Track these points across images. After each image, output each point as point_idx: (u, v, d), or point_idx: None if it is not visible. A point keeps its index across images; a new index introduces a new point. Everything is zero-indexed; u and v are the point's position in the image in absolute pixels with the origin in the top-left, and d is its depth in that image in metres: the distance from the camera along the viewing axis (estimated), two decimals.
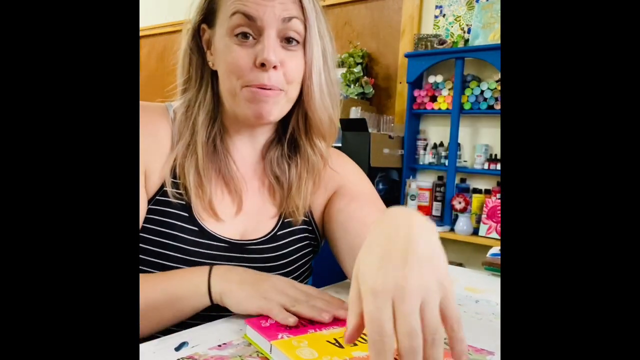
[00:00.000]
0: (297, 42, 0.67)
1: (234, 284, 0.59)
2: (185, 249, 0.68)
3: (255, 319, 0.54)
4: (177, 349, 0.49)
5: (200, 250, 0.69)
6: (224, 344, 0.51)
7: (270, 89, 0.66)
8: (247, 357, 0.48)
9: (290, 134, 0.76)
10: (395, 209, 0.47)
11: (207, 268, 0.62)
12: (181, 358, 0.47)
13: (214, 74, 0.72)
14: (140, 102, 0.70)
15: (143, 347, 0.49)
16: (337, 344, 0.50)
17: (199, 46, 0.73)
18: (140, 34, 3.81)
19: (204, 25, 0.72)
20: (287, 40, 0.66)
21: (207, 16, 0.71)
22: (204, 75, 0.73)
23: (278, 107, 0.68)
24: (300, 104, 0.72)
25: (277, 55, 0.65)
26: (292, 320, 0.53)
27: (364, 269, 0.41)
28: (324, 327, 0.54)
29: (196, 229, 0.69)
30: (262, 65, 0.64)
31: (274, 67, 0.65)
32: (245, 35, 0.65)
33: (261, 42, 0.65)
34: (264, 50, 0.64)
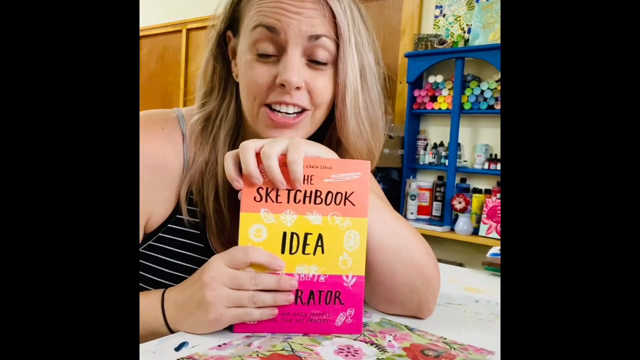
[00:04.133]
0: (326, 63, 0.60)
1: (178, 309, 0.55)
2: None
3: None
4: (177, 349, 0.49)
5: None
6: (224, 344, 0.51)
7: (292, 115, 0.60)
8: (247, 357, 0.48)
9: None
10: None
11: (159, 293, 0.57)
12: (181, 358, 0.47)
13: (238, 86, 0.65)
14: (141, 115, 0.64)
15: (143, 347, 0.49)
16: None
17: (224, 54, 0.66)
18: (140, 34, 3.81)
19: (229, 33, 0.66)
20: (315, 61, 0.59)
21: (232, 24, 0.65)
22: (227, 86, 0.66)
23: (302, 131, 0.61)
24: (332, 131, 0.64)
25: (300, 75, 0.58)
26: (258, 313, 0.52)
27: None
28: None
29: None
30: (283, 85, 0.58)
31: (297, 87, 0.58)
32: (267, 55, 0.59)
33: (283, 60, 0.58)
34: (285, 69, 0.57)
